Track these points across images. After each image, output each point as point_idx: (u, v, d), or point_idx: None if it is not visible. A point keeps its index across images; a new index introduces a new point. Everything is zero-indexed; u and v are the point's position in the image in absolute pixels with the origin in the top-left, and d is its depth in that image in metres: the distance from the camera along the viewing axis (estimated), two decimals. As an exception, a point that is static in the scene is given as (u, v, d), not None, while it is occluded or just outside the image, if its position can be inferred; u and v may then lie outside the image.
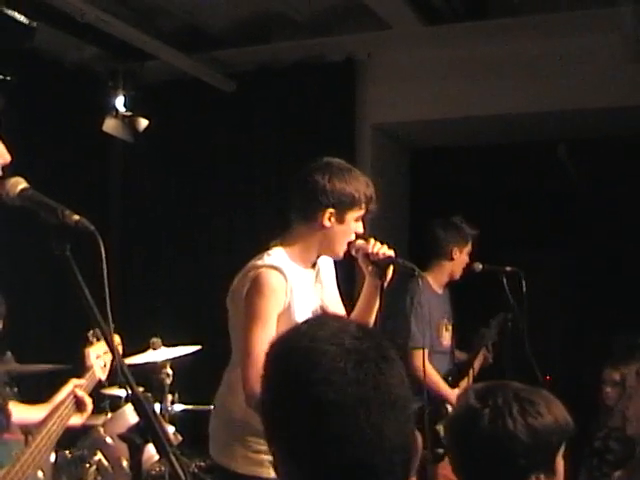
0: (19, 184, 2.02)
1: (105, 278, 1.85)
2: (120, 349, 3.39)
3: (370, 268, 3.40)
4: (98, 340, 3.34)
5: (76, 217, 1.95)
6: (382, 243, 3.41)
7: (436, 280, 5.54)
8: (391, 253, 3.39)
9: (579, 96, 6.35)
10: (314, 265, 3.50)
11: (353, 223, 3.37)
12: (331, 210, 3.32)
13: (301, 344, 1.44)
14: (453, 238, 5.49)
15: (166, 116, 7.14)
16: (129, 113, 6.82)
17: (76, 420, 3.09)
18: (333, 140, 6.70)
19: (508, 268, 5.25)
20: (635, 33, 5.78)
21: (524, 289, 5.06)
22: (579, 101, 6.39)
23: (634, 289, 6.97)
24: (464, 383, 5.49)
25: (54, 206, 1.96)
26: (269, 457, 3.24)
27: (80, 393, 3.08)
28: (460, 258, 5.51)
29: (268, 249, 3.39)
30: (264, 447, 3.25)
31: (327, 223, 3.34)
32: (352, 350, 1.41)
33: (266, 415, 1.47)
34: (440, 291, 5.58)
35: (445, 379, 5.44)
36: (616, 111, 6.41)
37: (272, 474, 3.26)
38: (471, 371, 5.59)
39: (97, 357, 3.28)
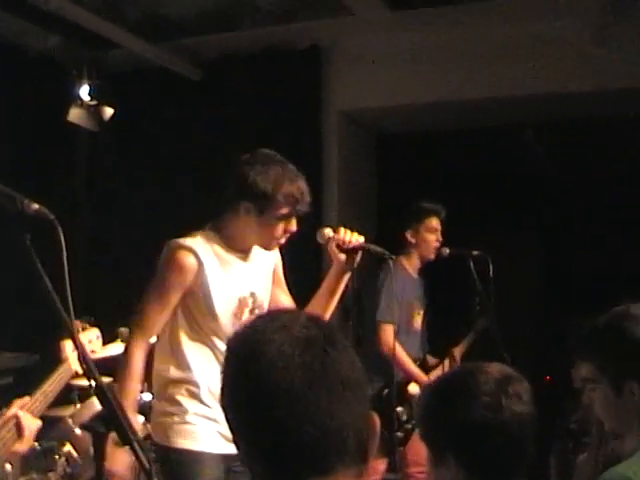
0: (-23, 174, 2.00)
1: (65, 267, 1.84)
2: (100, 342, 3.36)
3: (341, 256, 3.44)
4: (82, 330, 3.24)
5: (35, 206, 1.95)
6: (352, 231, 3.45)
7: (410, 264, 5.61)
8: (361, 239, 3.44)
9: (545, 80, 6.37)
10: (246, 253, 3.56)
11: (275, 219, 3.37)
12: (247, 204, 3.38)
13: (251, 337, 1.46)
14: (406, 224, 5.59)
15: (132, 105, 7.07)
16: (94, 102, 6.77)
17: (18, 446, 2.52)
18: (300, 127, 6.71)
19: (475, 252, 5.28)
20: (600, 18, 5.82)
21: (491, 273, 5.09)
22: (545, 85, 6.41)
23: (602, 271, 7.03)
24: (435, 372, 5.50)
25: (13, 195, 1.95)
26: (196, 428, 3.35)
27: (20, 415, 2.50)
28: (420, 239, 5.55)
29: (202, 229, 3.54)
30: (186, 418, 3.41)
31: (245, 215, 3.40)
32: (300, 337, 1.42)
33: (225, 408, 1.49)
34: (415, 275, 5.64)
35: (414, 362, 5.47)
36: (582, 95, 6.44)
37: (201, 447, 3.33)
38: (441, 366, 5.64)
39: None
